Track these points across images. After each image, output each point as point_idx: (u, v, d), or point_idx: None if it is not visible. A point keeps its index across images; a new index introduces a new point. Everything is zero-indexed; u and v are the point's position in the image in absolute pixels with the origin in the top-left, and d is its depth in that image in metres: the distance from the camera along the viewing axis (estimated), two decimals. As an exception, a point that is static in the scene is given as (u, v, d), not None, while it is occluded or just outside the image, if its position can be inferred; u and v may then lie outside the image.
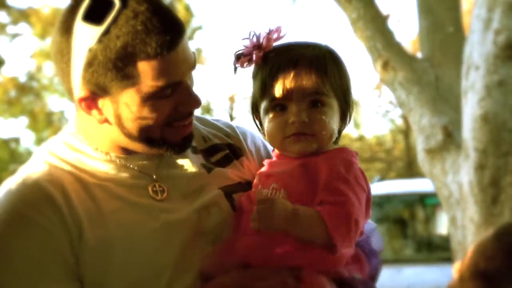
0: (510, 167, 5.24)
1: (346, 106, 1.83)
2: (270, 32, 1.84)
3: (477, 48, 5.32)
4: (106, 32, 1.69)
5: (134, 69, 1.70)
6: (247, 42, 1.85)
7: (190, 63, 1.77)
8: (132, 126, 1.77)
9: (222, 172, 1.92)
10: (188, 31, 19.44)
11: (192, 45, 19.74)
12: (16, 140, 20.38)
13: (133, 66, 1.70)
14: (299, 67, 1.77)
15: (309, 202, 1.75)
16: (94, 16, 1.70)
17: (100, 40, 1.70)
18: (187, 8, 19.19)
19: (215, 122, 2.06)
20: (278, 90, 1.78)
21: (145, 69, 1.70)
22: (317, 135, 1.77)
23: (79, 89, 1.75)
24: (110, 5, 1.70)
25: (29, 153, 20.65)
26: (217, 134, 2.01)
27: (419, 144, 6.05)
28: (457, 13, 6.71)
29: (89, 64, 1.72)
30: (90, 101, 1.77)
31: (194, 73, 1.82)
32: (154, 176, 1.85)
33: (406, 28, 25.98)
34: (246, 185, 1.91)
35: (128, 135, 1.80)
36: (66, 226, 1.73)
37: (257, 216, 1.70)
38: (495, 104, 5.22)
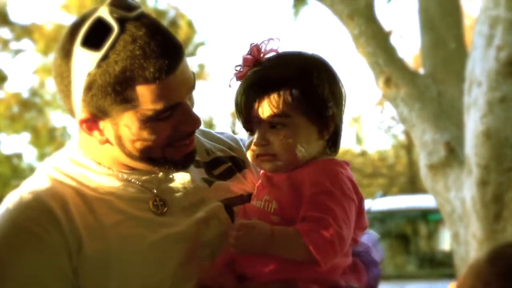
0: (513, 183, 5.24)
1: (323, 120, 1.83)
2: (251, 49, 1.86)
3: (479, 64, 5.33)
4: (105, 57, 1.71)
5: (133, 92, 1.72)
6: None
7: (189, 84, 1.79)
8: (132, 147, 1.79)
9: (223, 185, 1.94)
10: (191, 47, 19.50)
11: (195, 61, 19.80)
12: (19, 156, 20.40)
13: (132, 90, 1.72)
14: (257, 92, 1.81)
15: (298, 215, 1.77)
16: (92, 41, 1.72)
17: (99, 65, 1.72)
18: (190, 24, 19.24)
19: (219, 135, 2.07)
20: (242, 115, 1.84)
21: (144, 93, 1.72)
22: (278, 155, 1.81)
23: (80, 111, 1.78)
24: (109, 30, 1.72)
25: (31, 169, 20.64)
26: (220, 147, 2.02)
27: (422, 160, 6.05)
28: (459, 29, 6.73)
29: (89, 88, 1.74)
30: (91, 123, 1.79)
31: (196, 90, 1.83)
32: (155, 191, 1.86)
33: (408, 44, 26.05)
34: (248, 198, 1.92)
35: (129, 155, 1.81)
36: (65, 239, 1.75)
37: (234, 242, 1.74)
38: (497, 120, 5.23)
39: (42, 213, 1.76)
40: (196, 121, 1.80)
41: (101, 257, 1.75)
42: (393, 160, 23.06)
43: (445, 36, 6.57)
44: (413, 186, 19.36)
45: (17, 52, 19.36)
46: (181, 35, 17.87)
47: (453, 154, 5.83)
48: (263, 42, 1.87)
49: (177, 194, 1.88)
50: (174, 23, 17.51)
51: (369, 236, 1.89)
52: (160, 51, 1.71)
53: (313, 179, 1.77)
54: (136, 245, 1.78)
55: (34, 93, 19.91)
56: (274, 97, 1.79)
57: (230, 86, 1.88)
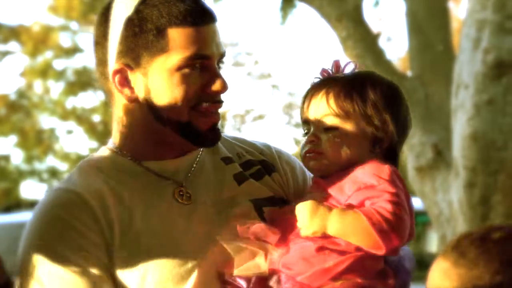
0: (499, 185, 5.26)
1: (374, 128, 1.87)
2: (332, 64, 1.96)
3: (467, 67, 5.35)
4: (143, 1, 1.80)
5: (165, 35, 1.79)
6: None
7: (220, 49, 1.85)
8: (161, 103, 1.82)
9: (253, 184, 1.95)
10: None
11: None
12: (6, 158, 20.34)
13: (165, 33, 1.79)
14: (317, 93, 1.90)
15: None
16: None
17: (137, 10, 1.80)
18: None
19: (250, 140, 2.10)
20: (302, 116, 1.92)
21: (176, 36, 1.79)
22: (324, 152, 1.86)
23: (114, 63, 1.83)
24: None
25: (18, 171, 20.58)
26: (251, 150, 2.04)
27: (409, 163, 6.07)
28: (446, 32, 6.76)
29: (125, 34, 1.81)
30: (123, 76, 1.83)
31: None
32: (184, 183, 1.88)
33: (396, 47, 26.12)
34: (278, 200, 1.94)
35: (157, 117, 1.84)
36: (103, 233, 1.78)
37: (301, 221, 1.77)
38: (484, 122, 5.25)
39: (80, 206, 1.80)
40: (224, 83, 1.84)
41: (133, 250, 1.78)
42: (381, 163, 23.08)
43: (432, 38, 6.60)
44: (401, 188, 19.39)
45: (4, 54, 19.32)
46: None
47: (440, 157, 5.86)
48: (344, 62, 1.97)
49: (207, 188, 1.90)
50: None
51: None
52: (197, 2, 1.82)
53: (359, 176, 1.82)
54: (165, 237, 1.80)
55: (21, 95, 19.87)
56: (332, 98, 1.87)
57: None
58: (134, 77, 1.83)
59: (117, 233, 1.78)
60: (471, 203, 5.32)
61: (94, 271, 1.76)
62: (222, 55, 1.86)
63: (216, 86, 1.84)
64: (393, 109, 1.90)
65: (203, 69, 1.82)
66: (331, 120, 1.87)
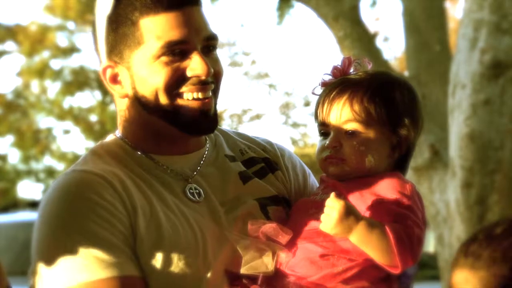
0: (496, 185, 5.27)
1: (398, 137, 1.87)
2: (343, 61, 1.94)
3: (464, 67, 5.36)
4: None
5: (139, 27, 1.81)
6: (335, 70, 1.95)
7: (203, 33, 1.83)
8: (145, 93, 1.83)
9: (258, 183, 1.95)
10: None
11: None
12: (3, 158, 20.33)
13: (138, 25, 1.81)
14: (340, 96, 1.86)
15: None
16: None
17: (114, 7, 1.82)
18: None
19: (253, 137, 2.09)
20: (320, 118, 1.89)
21: (149, 26, 1.80)
22: (347, 159, 1.84)
23: (104, 61, 1.87)
24: None
25: (15, 171, 20.57)
26: (254, 147, 2.03)
27: (406, 162, 6.07)
28: (443, 32, 6.76)
29: (107, 33, 1.85)
30: (112, 73, 1.86)
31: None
32: (190, 180, 1.88)
33: (393, 47, 26.13)
34: (281, 199, 1.94)
35: (146, 108, 1.84)
36: (128, 213, 1.77)
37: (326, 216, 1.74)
38: (481, 122, 5.26)
39: (108, 190, 1.78)
40: (203, 66, 1.81)
41: (155, 241, 1.77)
42: (378, 162, 23.08)
43: (429, 38, 6.60)
44: (398, 188, 19.39)
45: (1, 53, 19.31)
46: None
47: (437, 157, 5.86)
48: (355, 59, 1.95)
49: (214, 186, 1.90)
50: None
51: None
52: None
53: (382, 189, 1.81)
54: (187, 232, 1.80)
55: (18, 94, 19.86)
56: (356, 104, 1.84)
57: (313, 93, 1.93)
58: (121, 72, 1.85)
59: (141, 220, 1.77)
60: (468, 203, 5.32)
61: (124, 248, 1.75)
62: (207, 38, 1.84)
63: (195, 70, 1.82)
64: (413, 114, 1.89)
65: (183, 54, 1.81)
66: (354, 126, 1.84)
